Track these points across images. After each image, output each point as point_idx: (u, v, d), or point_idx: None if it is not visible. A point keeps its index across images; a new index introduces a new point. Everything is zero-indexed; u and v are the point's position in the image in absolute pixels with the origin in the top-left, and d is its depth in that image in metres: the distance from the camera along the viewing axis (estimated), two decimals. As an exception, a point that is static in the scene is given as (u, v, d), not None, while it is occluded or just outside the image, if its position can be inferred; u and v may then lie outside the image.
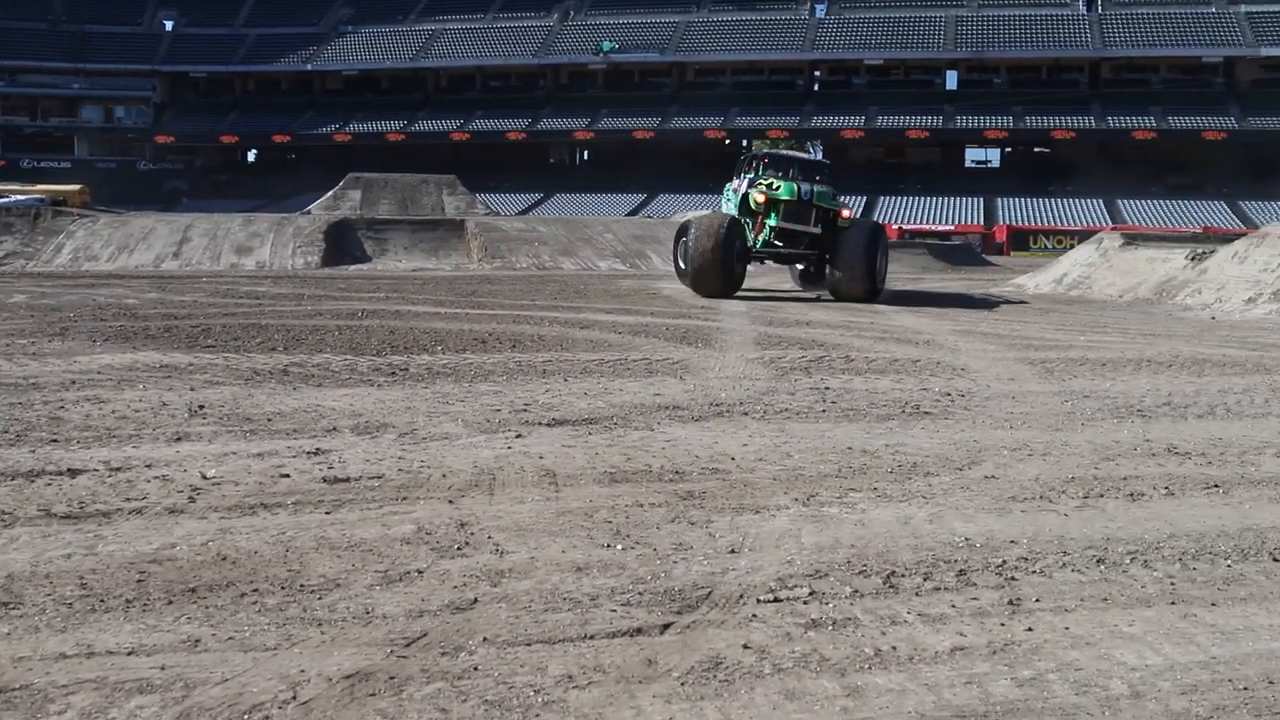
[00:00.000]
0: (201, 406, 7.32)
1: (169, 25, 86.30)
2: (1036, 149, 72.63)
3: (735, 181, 20.96)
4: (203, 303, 16.06)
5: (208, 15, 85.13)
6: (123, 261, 26.71)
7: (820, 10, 77.76)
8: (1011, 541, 4.65)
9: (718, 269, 18.40)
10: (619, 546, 4.47)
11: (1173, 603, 3.99)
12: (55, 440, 6.22)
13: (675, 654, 3.41)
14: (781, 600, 3.90)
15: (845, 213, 19.71)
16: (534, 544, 4.48)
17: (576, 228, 34.54)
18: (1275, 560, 4.52)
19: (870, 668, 3.35)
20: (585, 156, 79.52)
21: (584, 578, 4.09)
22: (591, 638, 3.52)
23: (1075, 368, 10.33)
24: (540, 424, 7.01)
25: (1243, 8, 70.30)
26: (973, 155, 75.35)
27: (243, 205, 56.54)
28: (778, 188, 19.20)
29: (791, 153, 23.96)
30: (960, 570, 4.27)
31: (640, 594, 3.93)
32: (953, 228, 61.20)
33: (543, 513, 4.94)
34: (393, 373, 9.08)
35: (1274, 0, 69.87)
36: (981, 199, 65.95)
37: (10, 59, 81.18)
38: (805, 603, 3.88)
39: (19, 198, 37.71)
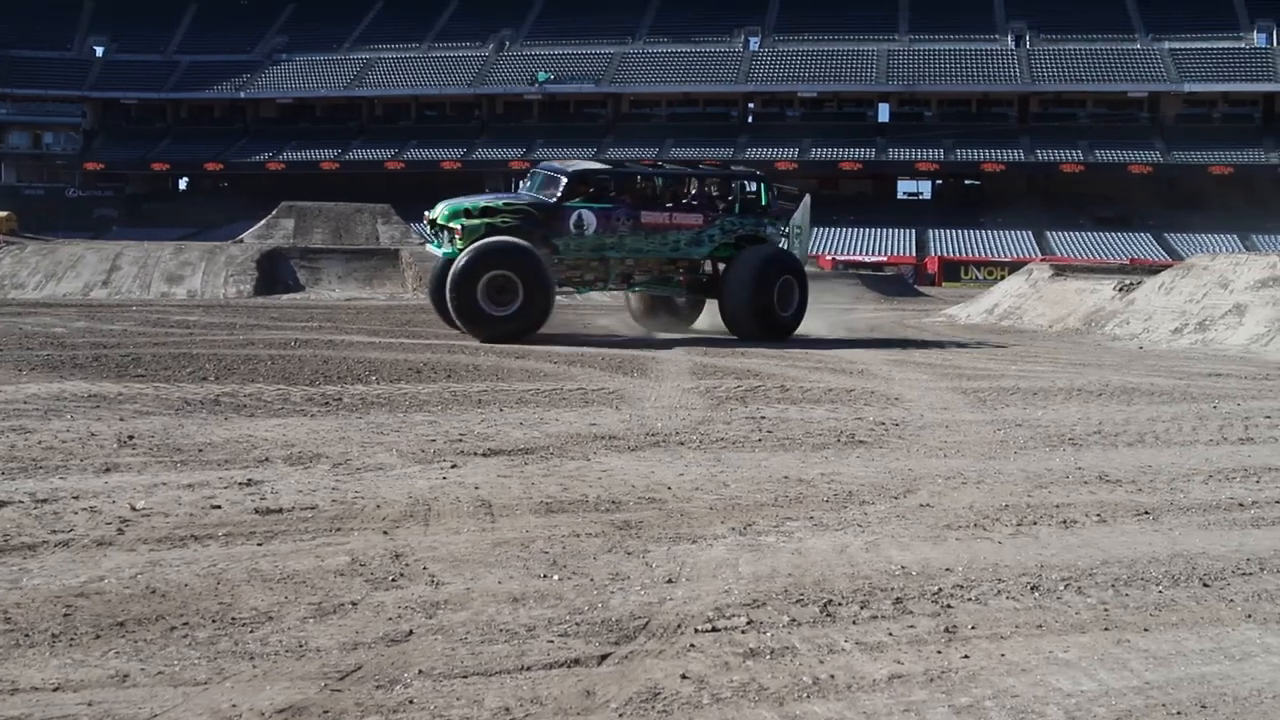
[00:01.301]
0: (131, 437, 7.20)
1: (100, 51, 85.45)
2: (967, 181, 73.79)
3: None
4: (132, 331, 15.84)
5: (140, 41, 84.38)
6: (50, 290, 26.34)
7: (754, 43, 78.48)
8: (947, 569, 4.68)
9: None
10: (556, 577, 4.45)
11: (1106, 628, 4.03)
12: (-21, 471, 6.09)
13: (613, 685, 3.40)
14: (719, 630, 3.89)
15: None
16: (470, 575, 4.44)
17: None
18: (1205, 585, 4.57)
19: (809, 696, 3.35)
20: (521, 186, 79.53)
21: (520, 609, 4.06)
22: (529, 669, 3.50)
23: (1007, 397, 10.44)
24: (476, 454, 6.96)
25: (1166, 44, 71.90)
26: (905, 187, 76.33)
27: (174, 233, 55.97)
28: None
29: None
30: (897, 598, 4.29)
31: (577, 625, 3.91)
32: (885, 258, 61.84)
33: (479, 543, 4.90)
34: (326, 403, 9.00)
35: (1197, 38, 71.52)
36: (913, 230, 66.80)
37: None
38: (743, 632, 3.88)
39: (-57, 225, 37.10)
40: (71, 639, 3.66)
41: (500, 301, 15.03)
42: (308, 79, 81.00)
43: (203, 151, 77.66)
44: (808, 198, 17.74)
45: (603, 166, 18.21)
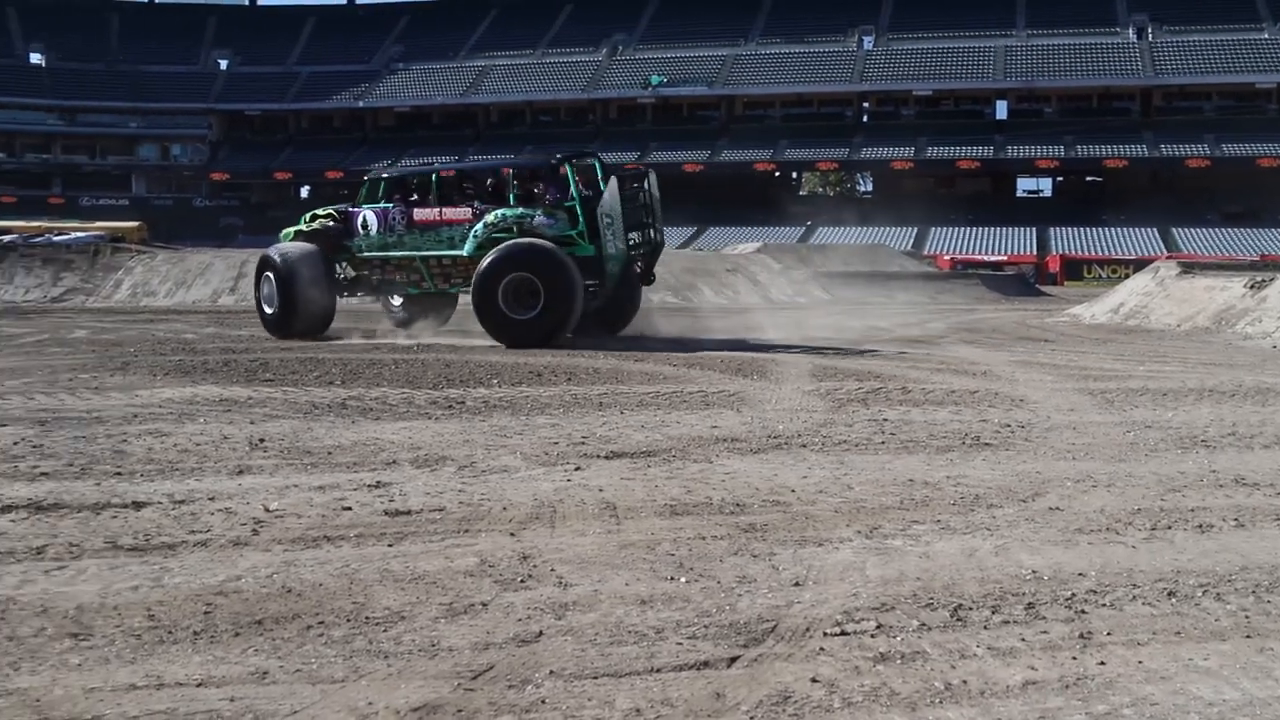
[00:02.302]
0: (262, 440, 7.38)
1: (224, 65, 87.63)
2: (1089, 178, 72.16)
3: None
4: (259, 336, 16.19)
5: (262, 54, 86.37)
6: (180, 297, 27.05)
7: (868, 42, 77.77)
8: (1079, 574, 4.59)
9: None
10: (682, 579, 4.45)
11: (1248, 636, 3.91)
12: (119, 473, 6.28)
13: (743, 687, 3.39)
14: (848, 633, 3.86)
15: None
16: (597, 576, 4.47)
17: (627, 261, 34.57)
18: (1352, 593, 4.43)
19: (941, 702, 3.31)
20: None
21: (648, 610, 4.07)
22: (658, 671, 3.50)
23: (1136, 398, 10.21)
24: (598, 456, 7.00)
25: (1295, 33, 69.79)
26: (1024, 185, 74.94)
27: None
28: None
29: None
30: (1029, 603, 4.21)
31: (705, 627, 3.91)
32: (1005, 258, 60.78)
33: (605, 545, 4.92)
34: (450, 406, 9.12)
35: (1328, 26, 69.33)
36: (1034, 229, 65.49)
37: (70, 99, 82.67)
38: (872, 636, 3.84)
39: (79, 235, 38.27)
40: (212, 636, 3.75)
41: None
42: (424, 87, 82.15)
43: (323, 160, 79.14)
44: (614, 180, 15.44)
45: (395, 169, 18.27)
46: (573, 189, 15.42)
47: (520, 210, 15.32)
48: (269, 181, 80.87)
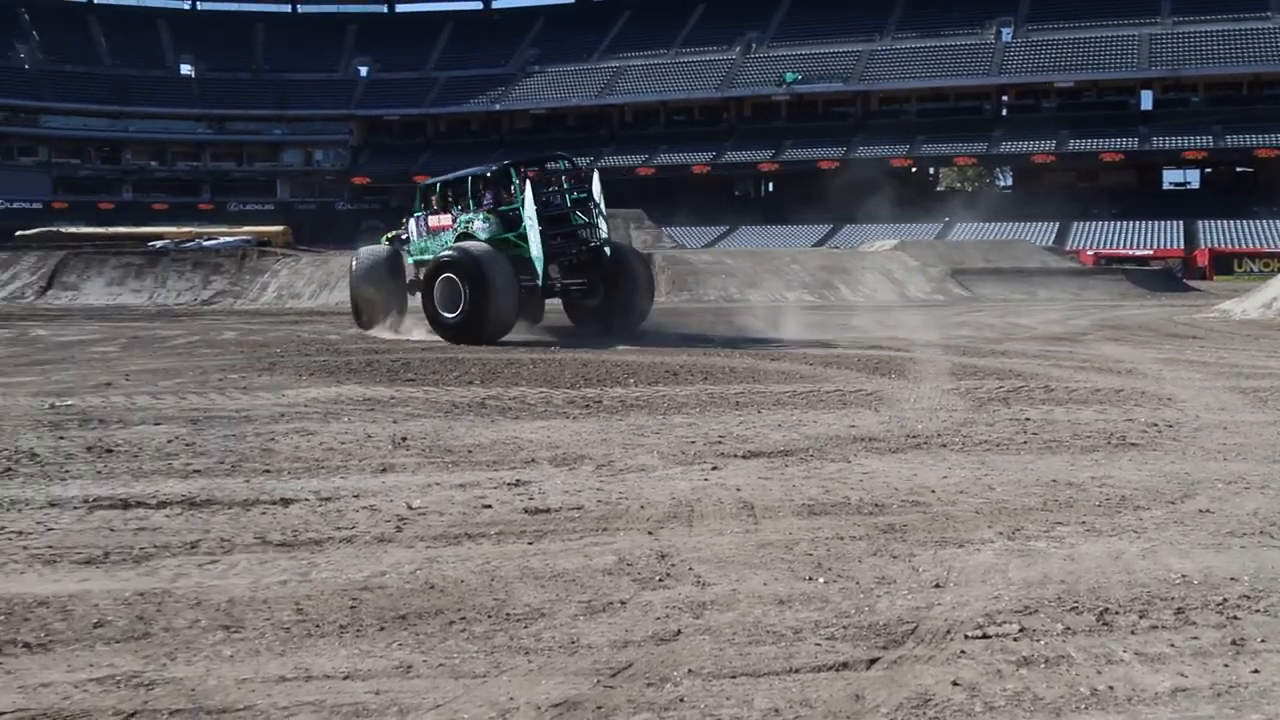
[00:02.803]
0: (404, 438, 7.52)
1: (364, 71, 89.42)
2: (1239, 169, 69.81)
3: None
4: (402, 337, 16.48)
5: (400, 60, 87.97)
6: (324, 299, 27.67)
7: (1007, 34, 76.31)
8: (1232, 579, 4.45)
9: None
10: (821, 580, 4.42)
11: None
12: (268, 471, 6.46)
13: (883, 689, 3.36)
14: (990, 637, 3.80)
15: None
16: (735, 576, 4.46)
17: (763, 259, 34.51)
18: None
19: (1086, 708, 3.24)
20: (770, 188, 79.46)
21: (787, 611, 4.06)
22: (797, 671, 3.49)
23: (1291, 396, 9.87)
24: (735, 456, 6.99)
25: None
26: (1171, 177, 72.76)
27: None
28: None
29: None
30: (1178, 608, 4.10)
31: (844, 628, 3.88)
32: (1151, 252, 59.21)
33: (742, 545, 4.91)
34: (587, 405, 9.19)
35: None
36: (1181, 222, 63.56)
37: (218, 108, 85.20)
38: (1015, 639, 3.78)
39: (227, 239, 39.45)
40: (358, 630, 3.84)
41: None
42: (559, 89, 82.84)
43: (461, 163, 79.38)
44: (529, 184, 15.68)
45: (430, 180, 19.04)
46: (518, 194, 15.99)
47: (467, 216, 16.60)
48: (408, 185, 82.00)
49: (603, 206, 16.63)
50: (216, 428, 7.94)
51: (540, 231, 15.57)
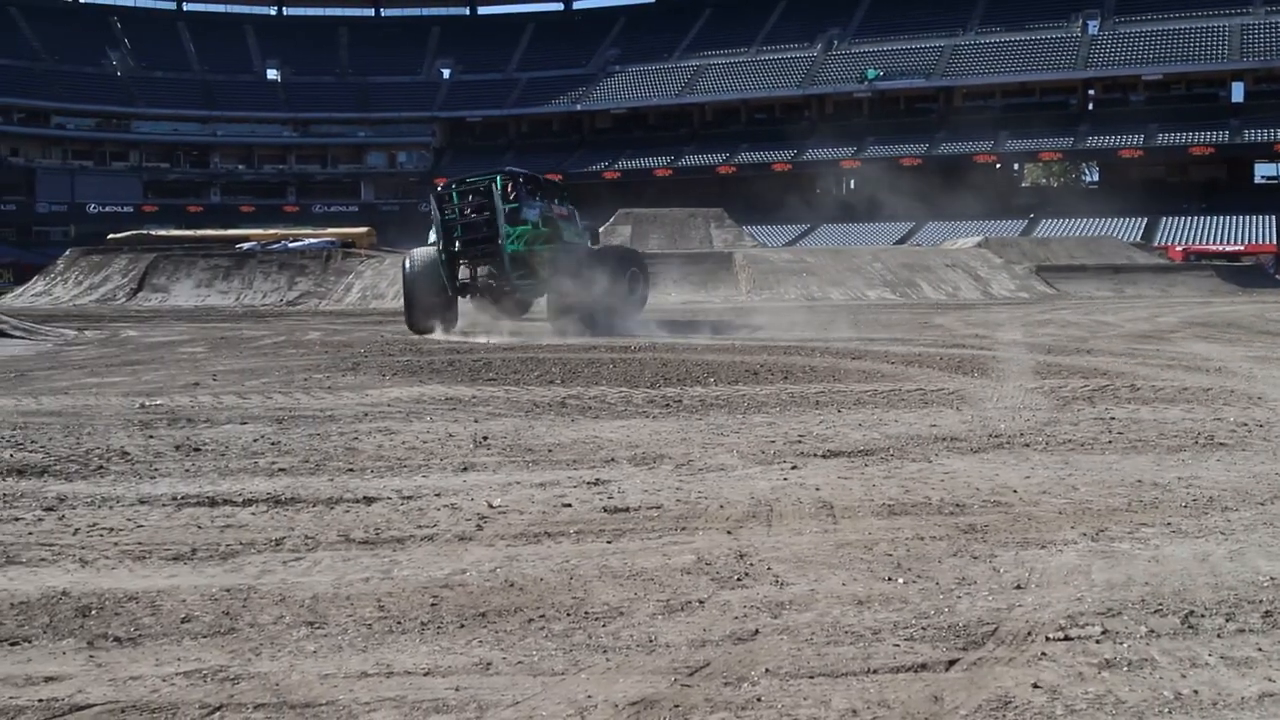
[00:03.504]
0: (485, 438, 7.58)
1: (446, 73, 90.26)
2: (1334, 161, 68.26)
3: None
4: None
5: (482, 62, 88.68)
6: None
7: (1093, 26, 75.19)
8: (1323, 581, 4.36)
9: None
10: (900, 580, 4.40)
11: None
12: (351, 469, 6.54)
13: (962, 691, 3.33)
14: (1072, 639, 3.74)
15: None
16: (813, 576, 4.45)
17: (844, 257, 34.36)
18: None
19: (1170, 712, 3.19)
20: (851, 186, 79.00)
21: (865, 611, 4.03)
22: (875, 672, 3.47)
23: (1387, 395, 9.64)
24: (815, 455, 6.96)
25: None
26: (1263, 170, 71.20)
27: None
28: None
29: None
30: (1266, 611, 4.02)
31: (923, 629, 3.85)
32: (1242, 248, 58.05)
33: (821, 544, 4.90)
34: (667, 404, 9.20)
35: None
36: (1273, 216, 62.19)
37: (303, 111, 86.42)
38: (1098, 642, 3.72)
39: (312, 241, 39.99)
40: (439, 627, 3.88)
41: None
42: (640, 89, 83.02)
43: (543, 163, 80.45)
44: (432, 195, 18.32)
45: None
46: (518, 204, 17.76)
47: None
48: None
49: (510, 210, 17.62)
50: (301, 427, 8.06)
51: (441, 238, 17.75)
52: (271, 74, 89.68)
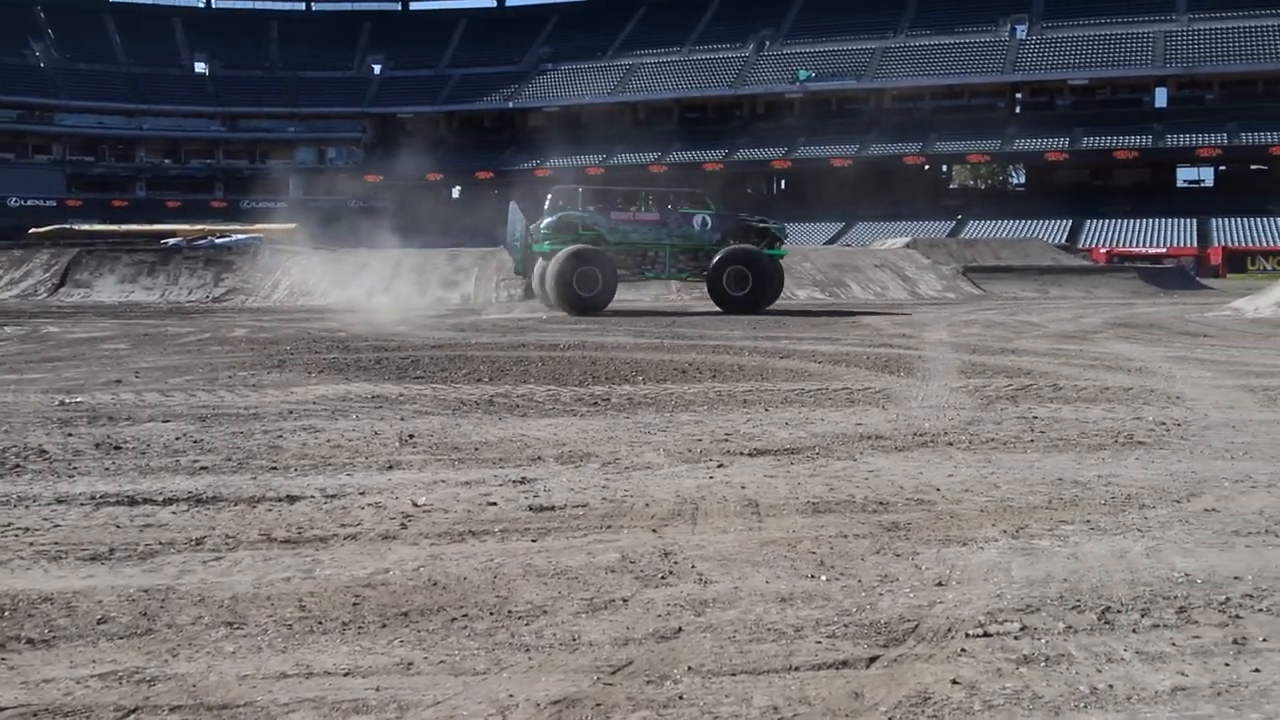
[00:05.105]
0: (412, 436, 7.53)
1: (377, 69, 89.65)
2: (1253, 166, 69.56)
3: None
4: (411, 335, 16.53)
5: (414, 58, 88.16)
6: (336, 296, 27.71)
7: (1021, 31, 76.18)
8: (1235, 578, 4.43)
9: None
10: (823, 577, 4.42)
11: None
12: (275, 468, 6.48)
13: (882, 688, 3.35)
14: (991, 635, 3.79)
15: None
16: (737, 574, 4.46)
17: (774, 257, 34.45)
18: None
19: (1086, 706, 3.23)
20: (782, 186, 79.43)
21: (788, 609, 4.06)
22: (797, 669, 3.49)
23: (1301, 395, 9.84)
24: (741, 454, 6.99)
25: None
26: (1185, 175, 72.57)
27: (448, 241, 58.05)
28: None
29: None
30: (1180, 607, 4.09)
31: (846, 626, 3.88)
32: (1164, 250, 59.07)
33: (746, 543, 4.92)
34: (595, 403, 9.19)
35: None
36: (1194, 220, 63.36)
37: (231, 106, 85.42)
38: (1016, 638, 3.77)
39: (239, 237, 39.57)
40: (360, 627, 3.85)
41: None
42: (573, 87, 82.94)
43: (474, 161, 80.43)
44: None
45: None
46: None
47: None
48: (421, 183, 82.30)
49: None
50: (224, 425, 7.97)
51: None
52: (200, 67, 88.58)
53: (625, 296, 25.06)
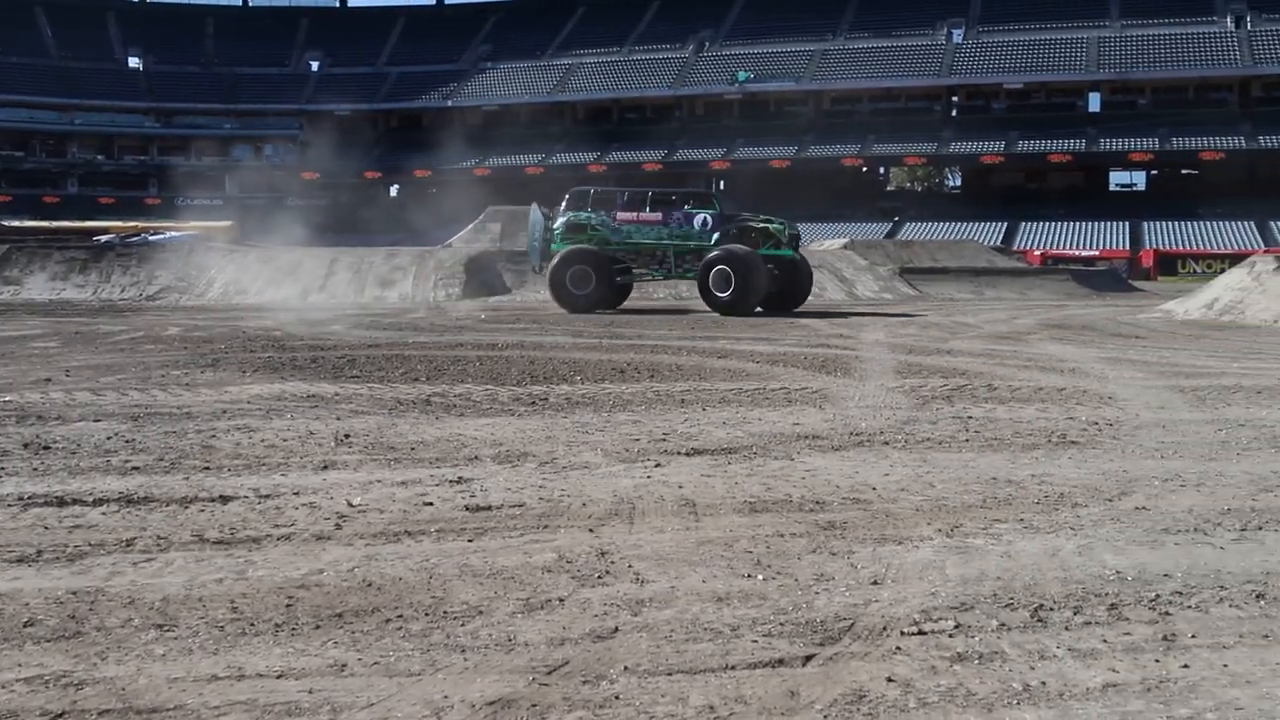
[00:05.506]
0: (347, 435, 7.47)
1: (315, 66, 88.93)
2: (1184, 170, 70.72)
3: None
4: (347, 334, 16.40)
5: (352, 55, 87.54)
6: (271, 295, 27.42)
7: (957, 35, 76.92)
8: (1165, 575, 4.50)
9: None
10: (760, 576, 4.44)
11: (1339, 641, 3.81)
12: (207, 468, 6.40)
13: (818, 686, 3.37)
14: (926, 633, 3.82)
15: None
16: (674, 573, 4.47)
17: (713, 257, 34.51)
18: None
19: (1019, 703, 3.26)
20: (721, 187, 79.60)
21: (725, 608, 4.06)
22: (733, 668, 3.49)
23: (1229, 395, 10.00)
24: (679, 453, 7.00)
25: (1402, 19, 67.73)
26: (1117, 178, 73.63)
27: (386, 239, 57.73)
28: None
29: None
30: (1111, 604, 4.14)
31: (782, 625, 3.89)
32: (1097, 253, 59.88)
33: (683, 542, 4.92)
34: (533, 402, 9.17)
35: None
36: (1127, 223, 64.28)
37: (166, 101, 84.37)
38: (950, 636, 3.80)
39: (174, 234, 39.06)
40: (293, 629, 3.81)
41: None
42: (512, 85, 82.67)
43: (412, 159, 79.96)
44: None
45: None
46: None
47: None
48: (359, 181, 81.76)
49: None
50: (157, 424, 7.86)
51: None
52: (134, 62, 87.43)
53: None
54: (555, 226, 23.39)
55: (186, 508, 5.45)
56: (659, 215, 23.36)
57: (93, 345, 14.48)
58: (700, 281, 22.24)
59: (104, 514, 5.32)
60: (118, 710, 3.16)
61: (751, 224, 23.18)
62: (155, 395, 9.39)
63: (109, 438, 7.31)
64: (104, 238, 38.51)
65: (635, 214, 23.41)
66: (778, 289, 22.95)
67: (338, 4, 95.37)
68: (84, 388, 9.86)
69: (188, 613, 3.95)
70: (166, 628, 3.80)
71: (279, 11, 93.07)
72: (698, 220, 23.02)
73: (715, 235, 22.67)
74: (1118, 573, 4.52)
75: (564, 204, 23.89)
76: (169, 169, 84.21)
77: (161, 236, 38.08)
